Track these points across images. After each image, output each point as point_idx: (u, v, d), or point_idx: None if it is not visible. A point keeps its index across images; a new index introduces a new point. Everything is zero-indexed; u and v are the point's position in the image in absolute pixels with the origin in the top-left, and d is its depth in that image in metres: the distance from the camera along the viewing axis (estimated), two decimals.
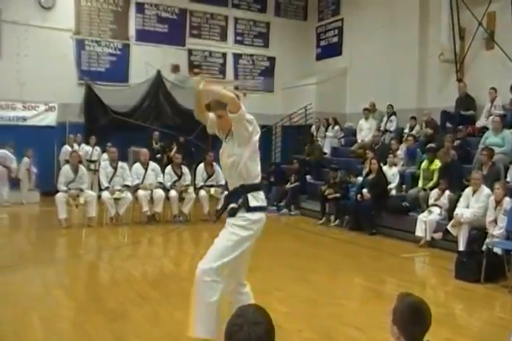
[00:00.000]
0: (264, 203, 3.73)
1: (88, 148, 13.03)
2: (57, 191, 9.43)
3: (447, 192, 8.45)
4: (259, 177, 3.74)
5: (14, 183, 12.18)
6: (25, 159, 12.31)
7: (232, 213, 3.71)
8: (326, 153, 13.48)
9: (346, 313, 4.93)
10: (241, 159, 3.58)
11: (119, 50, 14.65)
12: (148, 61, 14.45)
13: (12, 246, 7.93)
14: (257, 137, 3.65)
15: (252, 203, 3.64)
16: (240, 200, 3.65)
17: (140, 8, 14.89)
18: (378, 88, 13.42)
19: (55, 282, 6.01)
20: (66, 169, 9.67)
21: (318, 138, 14.00)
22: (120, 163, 10.10)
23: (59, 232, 9.01)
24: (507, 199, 6.86)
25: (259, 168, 3.72)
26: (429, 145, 10.07)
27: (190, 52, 15.60)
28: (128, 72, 14.65)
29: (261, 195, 3.71)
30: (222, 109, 3.60)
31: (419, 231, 8.27)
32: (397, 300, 2.41)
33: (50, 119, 13.54)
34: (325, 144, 13.73)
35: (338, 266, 7.10)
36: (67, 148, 12.69)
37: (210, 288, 3.60)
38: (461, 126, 10.31)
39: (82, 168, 9.93)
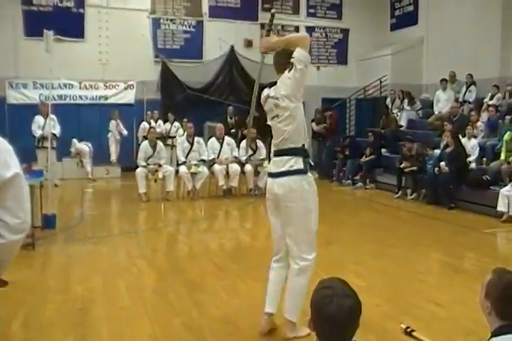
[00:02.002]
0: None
1: (166, 124, 13.37)
2: (137, 166, 9.80)
3: None
4: None
5: (97, 159, 12.75)
6: (113, 122, 12.84)
7: None
8: (401, 126, 13.15)
9: (425, 288, 4.87)
10: None
11: (193, 27, 14.80)
12: (221, 37, 14.55)
13: (98, 219, 8.33)
14: None
15: None
16: None
17: None
18: (457, 57, 12.86)
19: (138, 253, 6.28)
20: (145, 145, 9.99)
21: (394, 111, 13.65)
22: (196, 138, 10.31)
23: (139, 206, 9.39)
24: None
25: None
26: None
27: (262, 26, 15.45)
28: (202, 49, 14.82)
29: None
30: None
31: (501, 206, 7.98)
32: (494, 275, 2.31)
33: (129, 97, 14.00)
34: (401, 116, 13.37)
35: (416, 240, 6.98)
36: (145, 124, 13.10)
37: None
38: None
39: (159, 143, 10.23)
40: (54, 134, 10.00)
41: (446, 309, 4.32)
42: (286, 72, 3.53)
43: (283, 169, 3.52)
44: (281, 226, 3.70)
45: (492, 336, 2.25)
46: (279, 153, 3.59)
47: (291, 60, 3.46)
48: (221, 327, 3.97)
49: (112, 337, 3.80)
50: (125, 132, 13.06)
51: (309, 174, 3.58)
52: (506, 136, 9.11)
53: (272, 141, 3.69)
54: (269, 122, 3.67)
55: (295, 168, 3.50)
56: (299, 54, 3.43)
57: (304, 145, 3.61)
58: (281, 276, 3.79)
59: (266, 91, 3.71)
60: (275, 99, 3.57)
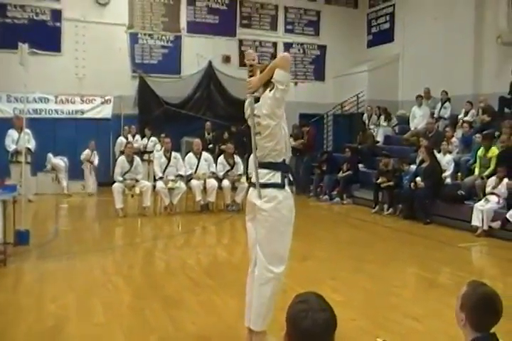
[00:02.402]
0: None
1: (144, 139, 13.32)
2: (114, 181, 9.72)
3: (506, 180, 8.21)
4: None
5: (73, 174, 12.62)
6: (88, 152, 12.70)
7: None
8: (378, 142, 13.30)
9: (402, 303, 4.89)
10: None
11: (171, 42, 14.85)
12: (199, 52, 14.62)
13: (73, 235, 8.21)
14: None
15: None
16: None
17: (191, 0, 15.02)
18: (432, 74, 13.10)
19: (114, 269, 6.20)
20: (122, 160, 9.93)
21: (371, 127, 13.82)
22: (174, 154, 10.28)
23: (116, 221, 9.29)
24: None
25: None
26: (485, 131, 9.79)
27: (240, 42, 15.64)
28: (180, 64, 14.86)
29: None
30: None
31: (475, 221, 8.09)
32: (469, 288, 2.35)
33: (106, 112, 13.89)
34: (378, 132, 13.53)
35: (392, 255, 7.02)
36: (122, 139, 13.03)
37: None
38: None
39: (136, 158, 10.18)
40: (29, 149, 9.88)
41: (423, 323, 4.34)
42: (268, 91, 3.60)
43: (261, 181, 3.61)
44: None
45: None
46: (261, 166, 3.68)
47: (272, 80, 3.52)
48: None
49: None
50: (96, 162, 12.85)
51: (287, 188, 3.64)
52: (479, 152, 9.27)
53: (257, 154, 3.75)
54: (252, 137, 3.74)
55: (272, 181, 3.61)
56: (278, 75, 3.49)
57: (284, 160, 3.69)
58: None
59: (250, 109, 3.73)
60: (257, 117, 3.64)
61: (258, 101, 3.69)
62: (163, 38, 14.78)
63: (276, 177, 3.61)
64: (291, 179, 3.69)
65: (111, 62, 13.64)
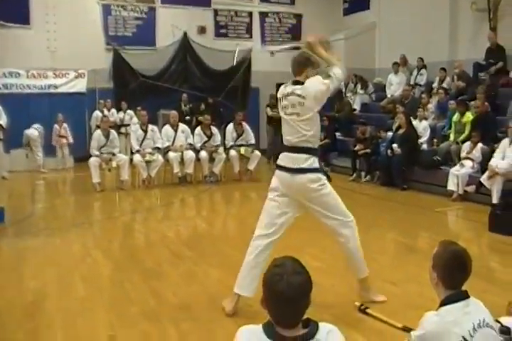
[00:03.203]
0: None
1: (120, 113, 13.15)
2: (90, 156, 9.62)
3: (480, 144, 8.29)
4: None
5: (49, 150, 12.45)
6: (56, 127, 12.50)
7: None
8: (355, 110, 13.29)
9: (380, 268, 4.95)
10: None
11: (145, 13, 14.48)
12: (174, 23, 14.31)
13: (51, 211, 8.16)
14: None
15: None
16: None
17: None
18: (408, 42, 13.04)
19: (93, 243, 6.19)
20: (97, 134, 9.81)
21: (348, 95, 13.79)
22: (150, 126, 10.20)
23: (94, 196, 9.22)
24: None
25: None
26: (460, 97, 9.84)
27: (216, 12, 15.31)
28: (155, 36, 14.52)
29: None
30: None
31: (451, 185, 8.19)
32: (439, 247, 2.43)
33: (80, 86, 13.60)
34: (355, 100, 13.52)
35: (370, 221, 7.07)
36: (97, 113, 12.83)
37: None
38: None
39: (113, 132, 10.06)
40: (0, 125, 9.67)
41: (400, 287, 4.43)
42: (320, 77, 3.68)
43: (302, 166, 3.74)
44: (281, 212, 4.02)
45: (440, 305, 2.33)
46: (295, 151, 3.77)
47: (331, 74, 3.68)
48: (178, 313, 3.97)
49: (65, 329, 3.73)
50: (71, 140, 12.66)
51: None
52: (454, 118, 9.33)
53: (284, 136, 3.86)
54: (284, 116, 3.81)
55: (314, 166, 3.76)
56: (338, 72, 3.68)
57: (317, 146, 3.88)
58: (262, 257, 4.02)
59: (289, 88, 3.78)
60: (302, 97, 3.67)
61: (298, 82, 3.76)
62: (137, 9, 14.38)
63: (315, 162, 3.77)
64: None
65: (84, 34, 13.26)
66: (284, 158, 3.85)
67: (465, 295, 2.35)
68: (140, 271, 5.00)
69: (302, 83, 3.71)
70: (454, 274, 2.35)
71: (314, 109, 3.69)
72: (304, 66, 3.77)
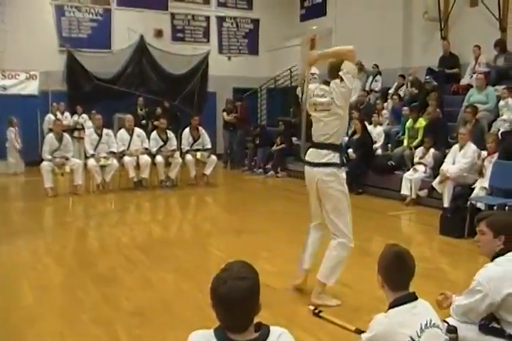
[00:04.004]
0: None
1: (74, 116, 12.89)
2: (42, 160, 9.38)
3: (432, 150, 8.51)
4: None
5: None
6: (11, 129, 12.15)
7: None
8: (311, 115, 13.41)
9: None
10: None
11: (100, 15, 14.29)
12: (130, 26, 14.16)
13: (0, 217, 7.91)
14: None
15: None
16: None
17: None
18: (363, 48, 13.05)
19: (44, 250, 6.03)
20: (50, 138, 9.59)
21: None
22: (105, 130, 10.04)
23: (45, 201, 8.99)
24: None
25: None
26: (413, 104, 10.07)
27: (173, 16, 15.25)
28: (110, 38, 14.35)
29: None
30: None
31: (404, 190, 8.36)
32: (383, 250, 2.51)
33: (31, 88, 13.29)
34: None
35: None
36: (50, 116, 12.54)
37: None
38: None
39: (66, 136, 9.84)
40: None
41: (352, 289, 4.48)
42: (338, 81, 3.97)
43: (323, 161, 4.05)
44: (318, 204, 4.32)
45: (389, 308, 2.38)
46: (320, 147, 4.09)
47: (340, 72, 3.95)
48: (131, 319, 3.91)
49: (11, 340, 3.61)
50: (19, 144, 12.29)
51: (343, 168, 4.15)
52: (408, 123, 9.55)
53: (313, 133, 4.17)
54: (314, 114, 4.14)
55: (333, 161, 4.03)
56: (348, 67, 3.95)
57: (341, 143, 4.22)
58: (316, 241, 4.50)
59: (322, 87, 4.12)
60: (330, 97, 4.01)
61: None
62: (92, 10, 14.18)
63: (337, 157, 4.04)
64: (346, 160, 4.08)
65: (35, 35, 12.97)
66: (311, 154, 4.17)
67: (413, 297, 2.41)
68: (93, 277, 4.90)
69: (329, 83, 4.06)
70: (395, 274, 2.41)
71: (341, 108, 4.01)
72: (334, 72, 4.06)
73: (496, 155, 7.09)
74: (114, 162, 9.70)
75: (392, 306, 2.40)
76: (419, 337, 2.27)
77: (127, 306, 4.17)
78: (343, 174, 4.13)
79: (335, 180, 4.07)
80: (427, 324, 2.31)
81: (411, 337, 2.26)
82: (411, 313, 2.34)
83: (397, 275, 2.42)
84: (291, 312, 3.97)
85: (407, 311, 2.35)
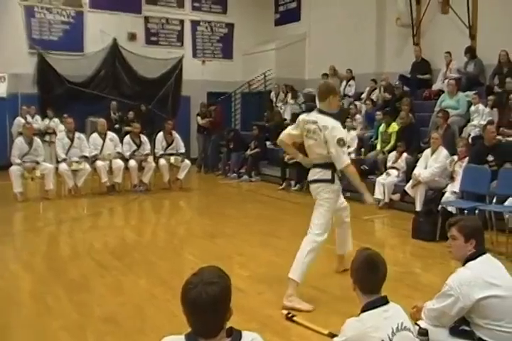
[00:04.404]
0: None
1: (45, 120, 12.69)
2: (11, 164, 9.20)
3: (405, 154, 8.60)
4: None
5: None
6: None
7: None
8: (286, 119, 13.45)
9: (307, 275, 4.96)
10: None
11: (73, 17, 14.06)
12: (103, 29, 14.01)
13: None
14: None
15: None
16: None
17: None
18: (337, 53, 13.37)
19: (12, 256, 5.91)
20: (19, 141, 9.41)
21: (279, 104, 13.96)
22: (77, 134, 9.90)
23: (15, 206, 8.79)
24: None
25: None
26: (386, 109, 10.18)
27: (146, 19, 15.13)
28: (83, 41, 14.13)
29: None
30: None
31: (378, 194, 8.42)
32: (355, 254, 2.54)
33: (0, 90, 13.03)
34: (286, 110, 13.69)
35: (299, 229, 7.06)
36: (19, 120, 12.25)
37: None
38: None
39: (37, 140, 9.65)
40: None
41: (327, 292, 4.49)
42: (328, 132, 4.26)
43: (314, 178, 4.48)
44: None
45: (362, 311, 2.40)
46: (313, 166, 4.52)
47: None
48: (103, 326, 3.85)
49: None
50: None
51: (336, 182, 4.45)
52: (381, 128, 9.64)
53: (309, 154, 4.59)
54: (305, 139, 4.48)
55: (324, 177, 4.41)
56: (344, 163, 4.34)
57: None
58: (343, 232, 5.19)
59: (310, 117, 4.44)
60: (319, 130, 4.30)
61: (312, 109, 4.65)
62: (64, 12, 13.95)
63: (328, 174, 4.37)
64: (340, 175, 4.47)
65: (4, 36, 12.70)
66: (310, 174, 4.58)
67: (384, 301, 2.43)
68: (64, 283, 4.81)
69: (324, 112, 4.36)
70: (366, 278, 2.44)
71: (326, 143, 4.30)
72: (327, 93, 4.37)
73: (466, 159, 7.19)
74: (87, 166, 9.56)
75: (364, 310, 2.42)
76: (390, 340, 2.29)
77: (99, 312, 4.10)
78: (332, 188, 4.45)
79: (327, 190, 4.46)
80: (398, 327, 2.34)
81: None
82: (383, 317, 2.37)
83: (368, 278, 2.44)
84: (264, 317, 3.96)
85: (379, 315, 2.37)
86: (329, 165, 4.36)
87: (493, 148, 7.10)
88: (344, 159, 4.31)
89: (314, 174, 4.49)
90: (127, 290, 4.66)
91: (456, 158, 7.44)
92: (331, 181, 4.39)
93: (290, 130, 4.72)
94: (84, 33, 14.14)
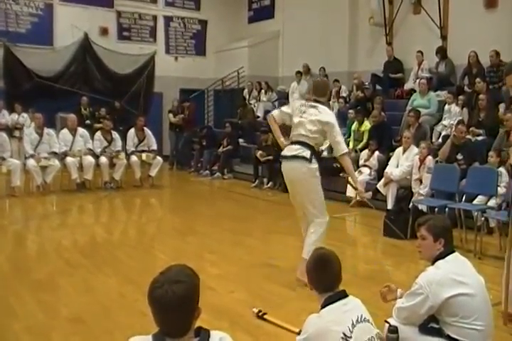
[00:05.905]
0: None
1: (13, 115, 12.40)
2: None
3: (377, 152, 8.65)
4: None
5: None
6: None
7: None
8: (258, 117, 13.44)
9: (278, 274, 4.98)
10: None
11: (41, 10, 13.78)
12: (74, 23, 13.74)
13: None
14: None
15: None
16: None
17: None
18: (311, 51, 13.39)
19: None
20: None
21: (251, 102, 13.93)
22: (46, 130, 9.70)
23: None
24: (429, 158, 7.16)
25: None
26: (358, 107, 10.23)
27: (119, 14, 14.92)
28: (52, 35, 13.86)
29: None
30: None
31: (349, 192, 8.45)
32: (311, 254, 2.62)
33: None
34: (258, 107, 13.67)
35: (271, 227, 7.16)
36: None
37: None
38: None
39: (3, 135, 9.45)
40: None
41: (297, 291, 4.46)
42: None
43: (293, 153, 4.50)
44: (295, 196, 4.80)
45: (322, 308, 2.44)
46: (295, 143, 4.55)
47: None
48: (69, 326, 3.76)
49: None
50: None
51: (313, 162, 4.48)
52: (353, 126, 9.68)
53: (292, 133, 4.63)
54: (300, 119, 4.52)
55: (302, 154, 4.45)
56: (342, 150, 4.58)
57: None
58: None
59: (309, 102, 4.60)
60: (318, 119, 4.45)
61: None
62: (32, 4, 13.61)
63: (306, 153, 4.43)
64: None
65: None
66: (286, 150, 4.60)
67: (343, 294, 2.48)
68: (28, 283, 4.68)
69: (323, 103, 4.62)
70: (320, 276, 2.50)
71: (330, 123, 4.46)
72: (327, 90, 4.76)
73: (427, 161, 7.22)
74: (56, 162, 9.39)
75: (323, 306, 2.45)
76: (351, 332, 2.34)
77: (65, 313, 4.01)
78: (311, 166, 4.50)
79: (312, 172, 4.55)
80: (358, 319, 2.40)
81: (344, 334, 2.34)
82: (342, 310, 2.43)
83: (322, 277, 2.51)
84: (234, 315, 3.92)
85: (338, 308, 2.43)
86: (309, 147, 4.45)
87: (462, 147, 7.19)
88: (345, 146, 4.51)
89: (292, 150, 4.51)
90: (95, 289, 4.57)
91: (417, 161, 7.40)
92: (309, 160, 4.42)
93: (282, 108, 4.83)
94: (54, 26, 13.87)
